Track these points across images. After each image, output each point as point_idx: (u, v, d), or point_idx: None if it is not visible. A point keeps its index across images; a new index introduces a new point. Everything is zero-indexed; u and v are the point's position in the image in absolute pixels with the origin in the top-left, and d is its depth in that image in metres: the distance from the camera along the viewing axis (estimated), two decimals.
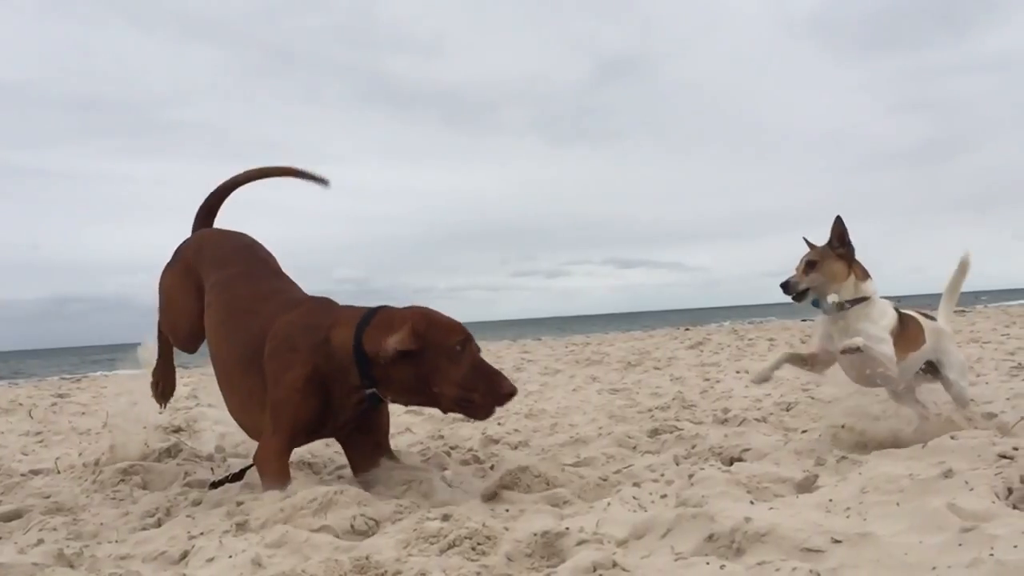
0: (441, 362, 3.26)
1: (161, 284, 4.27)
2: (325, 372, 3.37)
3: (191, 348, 4.22)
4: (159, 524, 3.14)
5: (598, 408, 5.92)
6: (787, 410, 5.14)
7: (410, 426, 5.53)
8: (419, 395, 3.40)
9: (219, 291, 3.83)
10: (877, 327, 3.56)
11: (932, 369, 3.94)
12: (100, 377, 17.06)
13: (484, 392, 3.28)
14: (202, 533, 2.76)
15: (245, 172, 4.27)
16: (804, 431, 4.38)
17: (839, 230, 3.66)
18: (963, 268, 4.17)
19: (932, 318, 4.00)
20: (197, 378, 10.80)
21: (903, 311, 3.82)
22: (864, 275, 3.67)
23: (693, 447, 4.03)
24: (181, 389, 9.05)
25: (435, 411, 5.96)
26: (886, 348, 3.53)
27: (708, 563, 2.06)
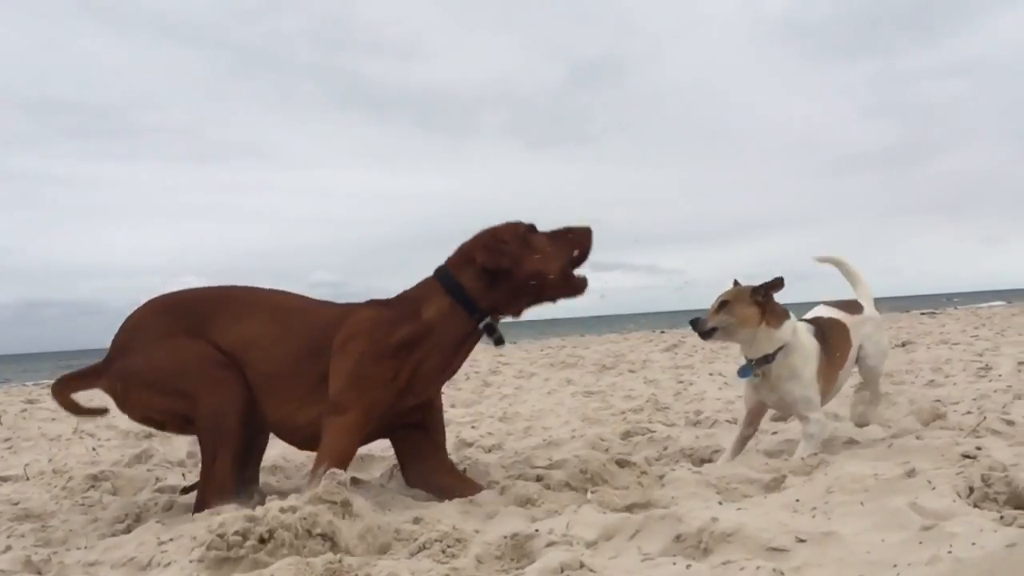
0: (526, 254, 3.30)
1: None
2: (421, 335, 3.28)
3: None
4: (128, 530, 3.12)
5: (572, 411, 5.95)
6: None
7: None
8: (530, 294, 3.38)
9: (252, 309, 3.51)
10: (803, 383, 3.52)
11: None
12: None
13: (572, 252, 3.36)
14: (171, 539, 2.75)
15: None
16: (774, 432, 4.42)
17: (771, 285, 3.57)
18: (839, 265, 4.19)
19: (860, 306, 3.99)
20: None
21: (825, 318, 3.81)
22: (779, 321, 3.54)
23: (665, 449, 4.06)
24: None
25: None
26: (810, 394, 3.53)
27: (675, 563, 2.08)
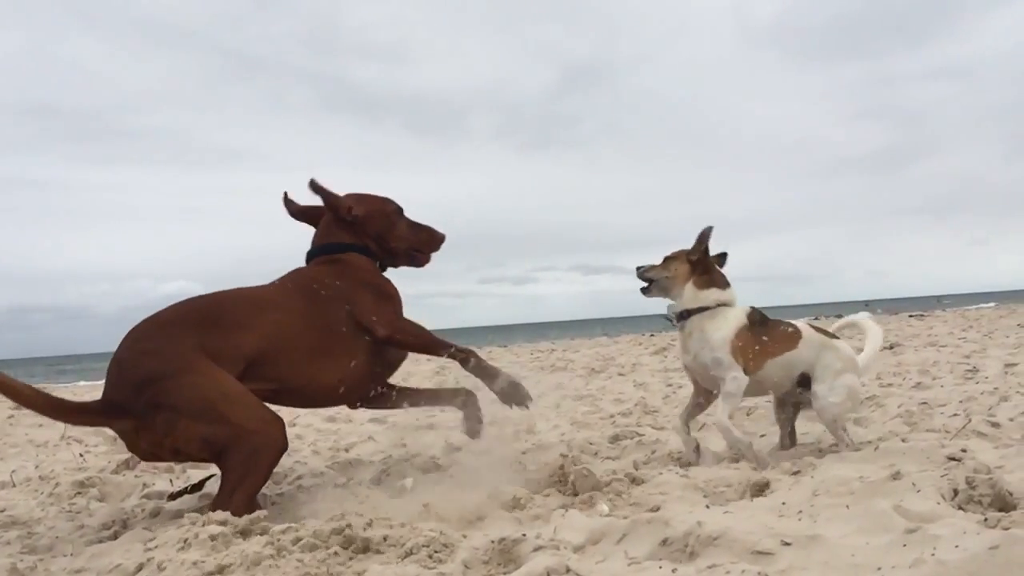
0: (388, 220, 3.93)
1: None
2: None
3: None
4: (115, 537, 3.10)
5: (561, 415, 5.95)
6: (747, 414, 5.21)
7: (373, 435, 5.52)
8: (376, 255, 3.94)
9: (251, 309, 3.53)
10: (711, 346, 3.64)
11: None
12: (59, 389, 16.80)
13: (424, 241, 4.03)
14: (158, 546, 2.74)
15: None
16: (763, 435, 4.44)
17: (700, 237, 3.77)
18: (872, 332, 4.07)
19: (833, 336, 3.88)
20: None
21: (786, 321, 3.84)
22: (707, 285, 3.74)
23: (653, 452, 4.07)
24: None
25: (399, 420, 5.96)
26: (719, 355, 3.62)
27: (660, 567, 2.09)
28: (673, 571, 2.04)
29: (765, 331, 3.74)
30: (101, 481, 4.09)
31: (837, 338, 3.87)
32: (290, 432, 5.86)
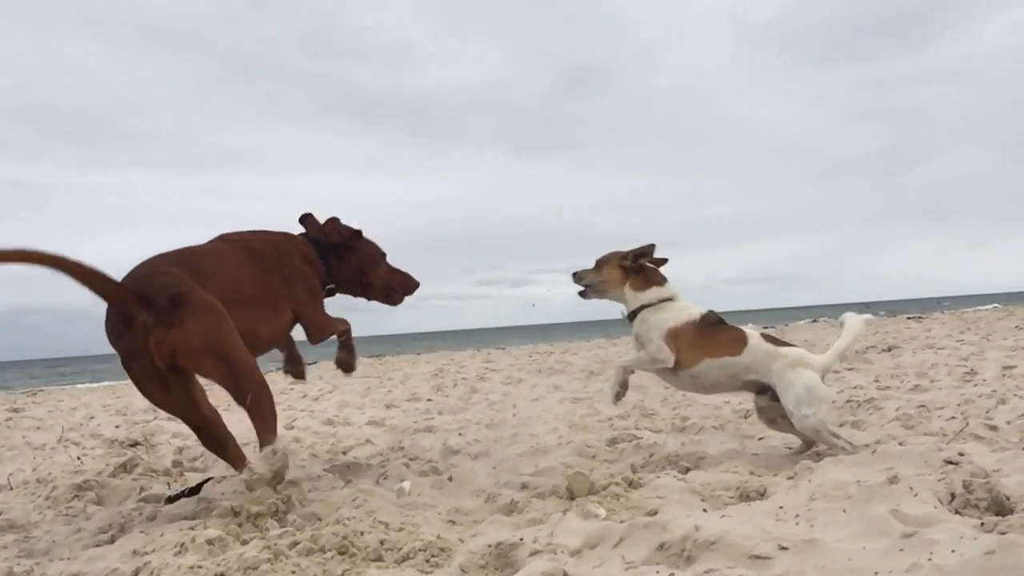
0: (372, 259, 4.43)
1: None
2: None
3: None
4: (112, 541, 3.10)
5: (559, 417, 5.95)
6: (745, 417, 5.21)
7: (371, 437, 5.52)
8: (357, 284, 4.44)
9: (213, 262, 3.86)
10: (651, 322, 3.97)
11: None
12: (56, 391, 16.79)
13: (400, 284, 4.51)
14: (155, 550, 2.74)
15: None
16: (760, 438, 4.44)
17: (640, 250, 4.09)
18: (852, 331, 4.06)
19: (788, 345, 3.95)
20: None
21: (739, 328, 3.98)
22: (645, 285, 4.06)
23: (651, 456, 4.07)
24: (138, 403, 8.95)
25: (397, 423, 5.95)
26: (654, 348, 3.92)
27: (658, 572, 2.09)
28: (670, 575, 2.04)
29: (711, 330, 3.95)
30: (99, 484, 4.08)
31: (790, 345, 3.93)
32: (288, 435, 5.88)
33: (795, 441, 4.01)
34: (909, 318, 23.49)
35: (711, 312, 4.01)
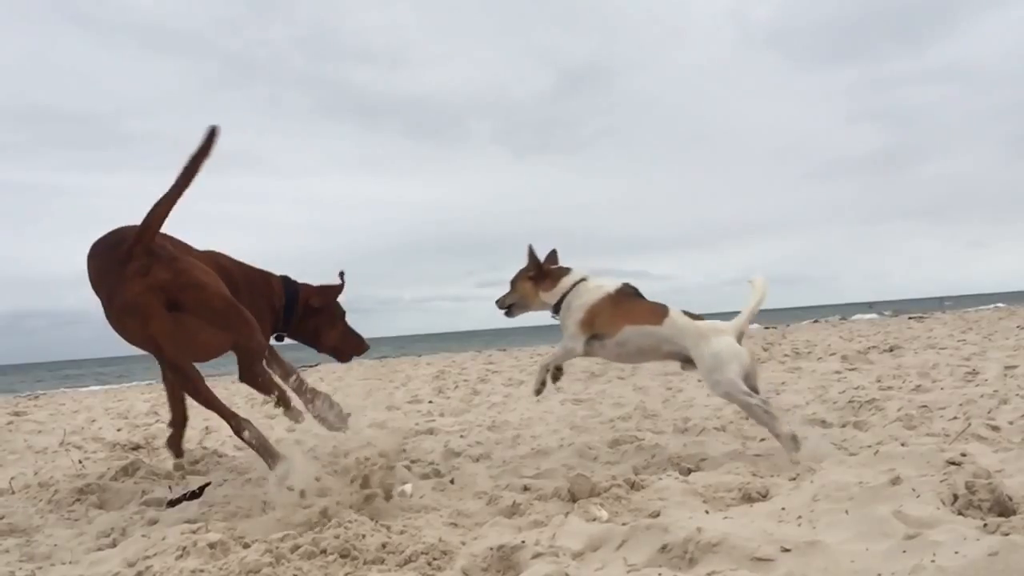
0: (332, 320, 4.76)
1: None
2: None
3: None
4: (114, 544, 3.10)
5: (560, 419, 5.95)
6: (746, 419, 5.19)
7: (372, 440, 5.50)
8: (310, 337, 4.81)
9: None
10: (568, 314, 4.30)
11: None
12: (58, 394, 16.80)
13: (352, 346, 4.89)
14: (157, 554, 2.73)
15: (162, 199, 3.74)
16: (762, 439, 4.43)
17: (529, 255, 4.48)
18: (758, 291, 4.18)
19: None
20: (157, 394, 10.68)
21: (660, 303, 4.23)
22: (553, 283, 4.40)
23: (652, 457, 4.07)
24: (140, 406, 8.95)
25: (398, 425, 5.95)
26: (567, 337, 4.29)
27: (660, 574, 2.08)
28: None
29: (630, 301, 4.27)
30: (100, 488, 4.08)
31: (705, 319, 4.17)
32: (289, 437, 5.87)
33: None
34: (911, 318, 23.48)
35: (627, 285, 4.32)
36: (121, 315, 3.73)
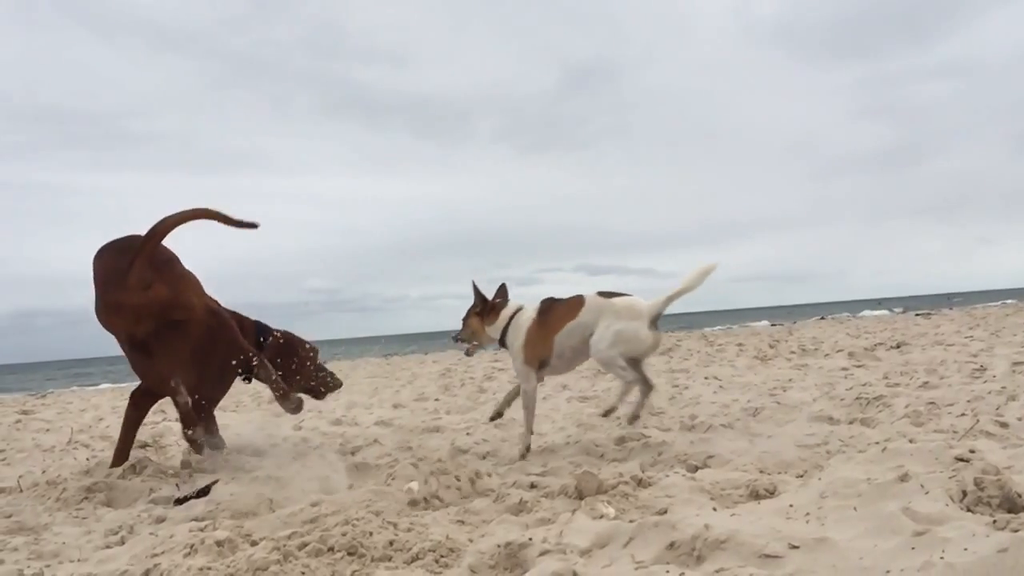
0: (302, 363, 5.09)
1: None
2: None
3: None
4: (122, 542, 3.11)
5: (567, 416, 5.94)
6: (754, 415, 5.19)
7: (379, 438, 5.52)
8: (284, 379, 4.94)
9: None
10: (514, 352, 4.60)
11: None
12: (66, 393, 16.84)
13: (322, 384, 5.23)
14: (165, 552, 2.74)
15: (169, 218, 4.13)
16: (770, 436, 4.42)
17: (474, 291, 4.80)
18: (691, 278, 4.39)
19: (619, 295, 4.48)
20: None
21: (565, 297, 4.57)
22: (494, 318, 4.71)
23: (659, 454, 4.06)
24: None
25: (405, 423, 5.95)
26: (519, 366, 4.60)
27: (668, 571, 2.07)
28: (680, 575, 2.03)
29: (547, 314, 4.53)
30: (108, 486, 4.09)
31: (626, 295, 4.45)
32: (295, 435, 5.89)
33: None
34: (917, 315, 23.42)
35: (545, 300, 4.62)
36: (111, 315, 4.18)
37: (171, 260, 4.24)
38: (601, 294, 4.48)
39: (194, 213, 4.14)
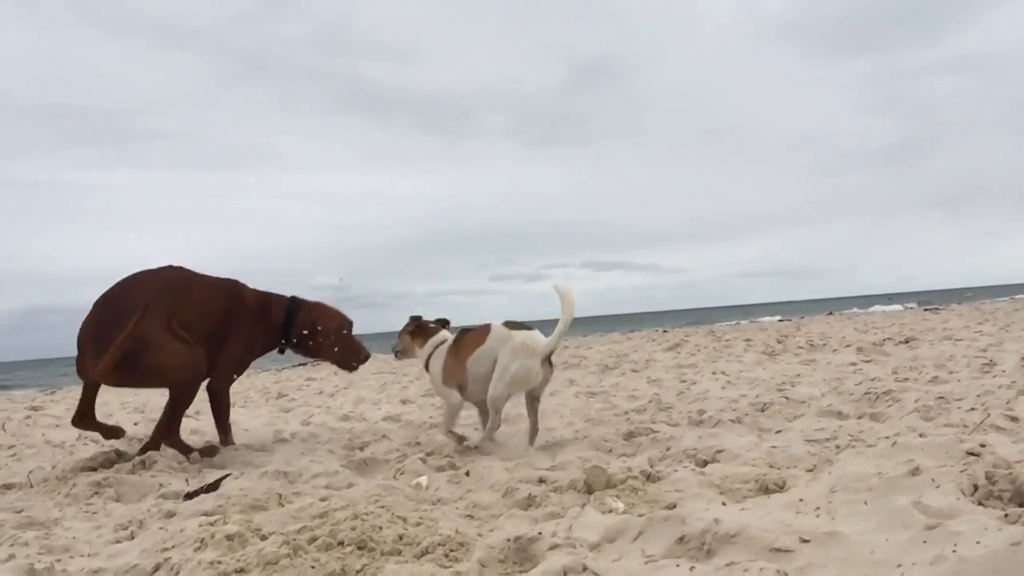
0: (333, 339, 5.42)
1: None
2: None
3: None
4: (132, 537, 3.11)
5: (575, 412, 5.94)
6: (762, 410, 5.18)
7: (387, 433, 5.52)
8: (315, 352, 5.52)
9: None
10: (434, 376, 4.97)
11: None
12: (75, 389, 16.89)
13: (356, 356, 5.54)
14: (175, 546, 2.75)
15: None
16: (778, 431, 4.41)
17: (411, 319, 5.19)
18: (564, 300, 4.54)
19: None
20: None
21: (478, 326, 4.83)
22: (423, 342, 5.08)
23: (668, 449, 4.05)
24: (157, 400, 8.96)
25: (413, 418, 5.95)
26: (438, 387, 4.96)
27: (678, 565, 2.07)
28: (691, 569, 2.02)
29: (460, 343, 4.88)
30: (117, 482, 4.10)
31: (528, 330, 4.64)
32: (304, 431, 5.90)
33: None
34: (926, 310, 23.34)
35: (462, 330, 4.98)
36: (79, 371, 4.87)
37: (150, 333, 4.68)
38: (507, 324, 4.70)
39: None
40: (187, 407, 5.03)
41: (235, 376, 5.44)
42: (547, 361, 4.57)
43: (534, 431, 4.75)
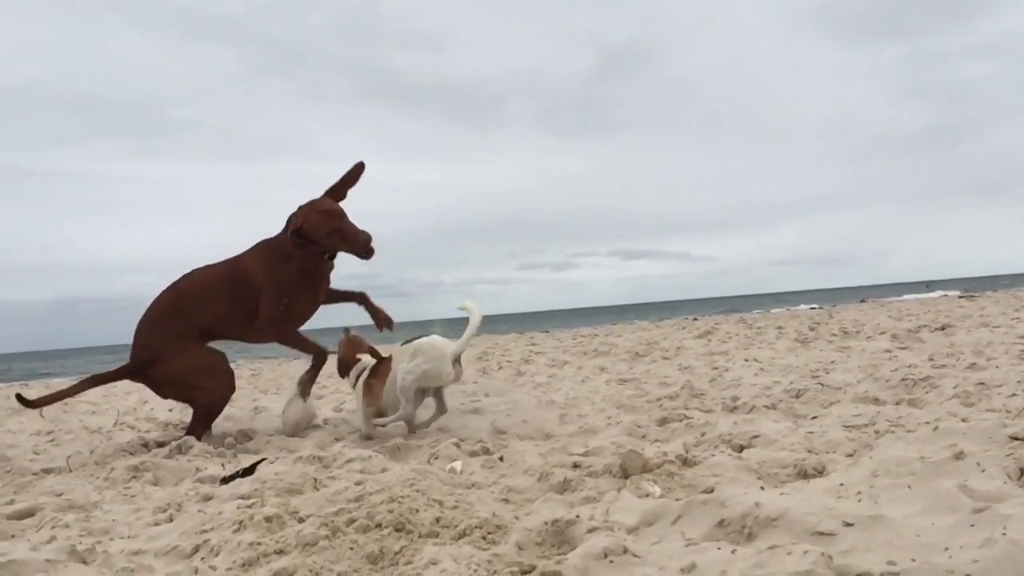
0: (333, 239, 5.42)
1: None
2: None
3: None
4: (171, 520, 3.15)
5: (606, 398, 5.92)
6: (797, 397, 5.13)
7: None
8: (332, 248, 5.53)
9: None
10: (357, 398, 5.14)
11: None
12: None
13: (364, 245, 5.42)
14: (214, 528, 2.77)
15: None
16: (814, 417, 4.36)
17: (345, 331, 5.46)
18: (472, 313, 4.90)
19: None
20: None
21: (401, 346, 5.00)
22: (352, 363, 5.25)
23: (703, 435, 4.02)
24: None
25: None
26: (359, 406, 5.08)
27: (719, 548, 2.05)
28: (733, 552, 2.00)
29: (377, 371, 5.06)
30: (155, 466, 4.14)
31: (432, 336, 4.88)
32: (336, 416, 5.93)
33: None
34: (961, 296, 23.02)
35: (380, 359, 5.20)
36: None
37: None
38: (405, 343, 4.97)
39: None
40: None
41: (285, 324, 5.57)
42: (457, 361, 4.83)
43: (440, 413, 5.01)
